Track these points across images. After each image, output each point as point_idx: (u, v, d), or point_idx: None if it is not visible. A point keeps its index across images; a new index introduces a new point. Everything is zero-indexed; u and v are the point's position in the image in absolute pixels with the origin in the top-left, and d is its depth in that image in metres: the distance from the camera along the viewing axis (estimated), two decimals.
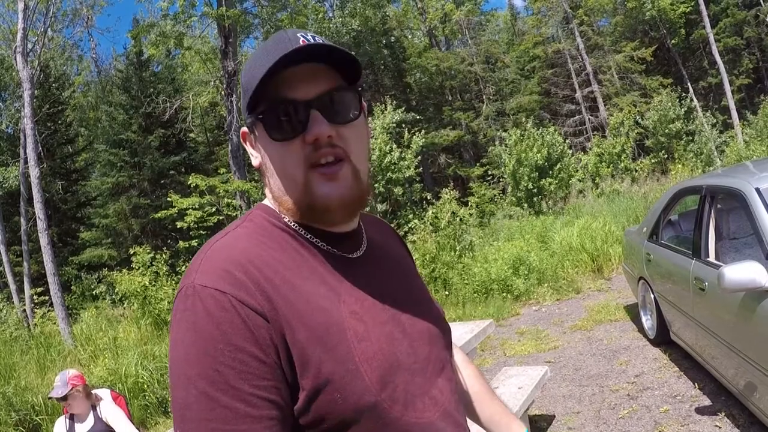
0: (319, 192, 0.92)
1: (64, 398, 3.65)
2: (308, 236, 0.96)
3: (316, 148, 0.91)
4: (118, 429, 3.72)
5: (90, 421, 3.70)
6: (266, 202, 1.02)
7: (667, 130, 23.33)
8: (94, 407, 3.75)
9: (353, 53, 0.94)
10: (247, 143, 1.02)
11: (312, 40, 0.91)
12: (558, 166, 17.53)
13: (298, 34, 0.92)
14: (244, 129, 1.01)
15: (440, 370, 1.01)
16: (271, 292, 0.84)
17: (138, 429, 3.94)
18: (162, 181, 23.62)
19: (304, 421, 0.85)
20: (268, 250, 0.90)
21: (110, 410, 3.74)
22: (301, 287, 0.88)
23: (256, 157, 1.00)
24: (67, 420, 3.75)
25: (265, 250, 0.90)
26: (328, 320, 0.87)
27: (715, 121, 24.93)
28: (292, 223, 0.97)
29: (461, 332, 4.02)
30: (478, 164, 29.47)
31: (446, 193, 12.59)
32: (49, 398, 3.69)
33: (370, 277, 0.98)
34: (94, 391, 3.95)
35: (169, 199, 16.47)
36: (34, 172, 12.26)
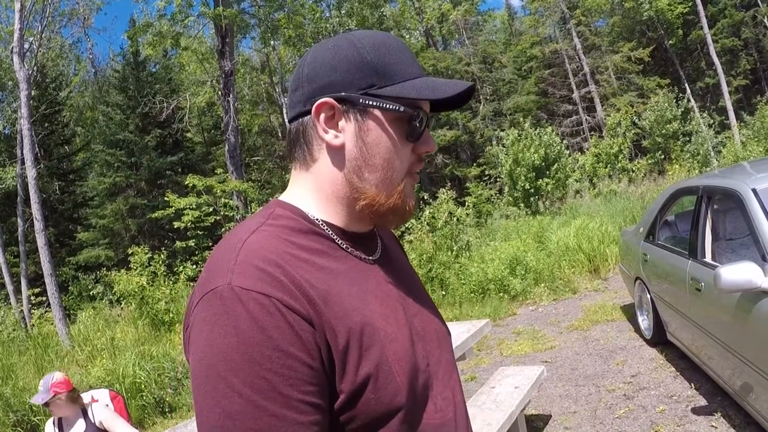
0: (408, 196, 0.97)
1: (46, 405, 3.55)
2: (334, 237, 0.95)
3: (419, 159, 0.98)
4: (116, 430, 3.67)
5: (80, 425, 3.59)
6: (287, 198, 0.99)
7: (664, 131, 23.37)
8: (84, 411, 3.63)
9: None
10: (322, 117, 0.92)
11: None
12: (555, 166, 17.54)
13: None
14: (328, 100, 0.91)
15: (450, 371, 1.03)
16: (312, 294, 0.82)
17: (137, 428, 3.89)
18: (159, 182, 23.62)
19: (337, 422, 0.84)
20: (299, 251, 0.88)
21: (104, 413, 3.62)
22: (335, 289, 0.87)
23: (336, 136, 0.93)
24: (55, 425, 3.67)
25: (296, 251, 0.87)
26: (362, 320, 0.86)
27: (712, 121, 24.97)
28: (321, 223, 0.95)
29: (458, 332, 4.03)
30: (475, 164, 29.48)
31: (443, 193, 12.57)
32: (30, 402, 3.58)
33: (388, 278, 0.98)
34: (91, 392, 3.88)
35: (166, 198, 16.47)
36: (31, 173, 12.23)
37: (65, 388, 3.57)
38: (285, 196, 0.99)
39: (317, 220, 0.95)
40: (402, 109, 0.91)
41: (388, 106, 0.91)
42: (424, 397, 0.92)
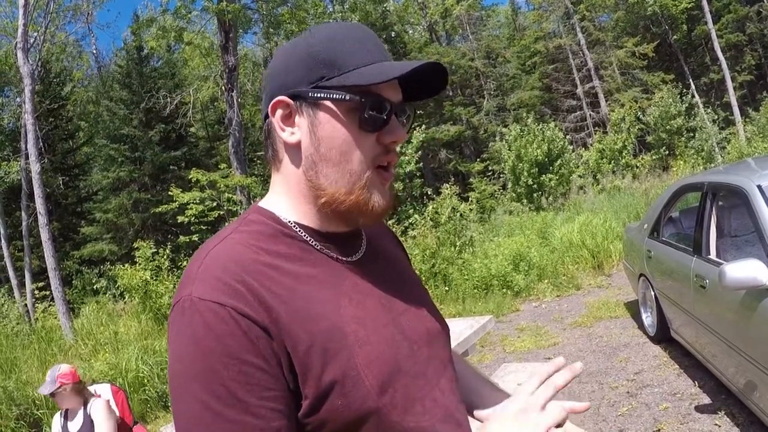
0: (374, 194, 0.94)
1: (52, 395, 3.63)
2: (309, 239, 0.94)
3: (387, 150, 0.94)
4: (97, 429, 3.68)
5: (79, 419, 3.64)
6: (265, 202, 0.99)
7: (668, 127, 23.29)
8: (86, 405, 3.68)
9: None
10: (278, 114, 0.93)
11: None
12: (558, 162, 17.50)
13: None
14: (282, 98, 0.92)
15: (441, 370, 1.01)
16: (270, 301, 0.83)
17: (137, 422, 3.91)
18: (162, 176, 23.60)
19: (308, 428, 0.84)
20: (267, 256, 0.88)
21: (98, 412, 3.64)
22: (302, 293, 0.87)
23: (292, 133, 0.93)
24: (62, 418, 3.73)
25: (263, 256, 0.88)
26: (329, 326, 0.86)
27: (716, 117, 24.86)
28: (294, 225, 0.94)
29: (461, 328, 4.02)
30: (478, 160, 29.43)
31: (447, 189, 12.59)
32: (37, 392, 3.65)
33: (369, 279, 0.97)
34: (93, 387, 3.91)
35: (170, 193, 16.48)
36: (35, 168, 12.24)
37: (71, 380, 3.65)
38: (263, 200, 1.00)
39: (290, 222, 0.95)
40: (348, 97, 0.90)
41: (336, 95, 0.90)
42: (406, 399, 0.90)
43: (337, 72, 0.90)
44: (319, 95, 0.90)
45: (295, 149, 0.94)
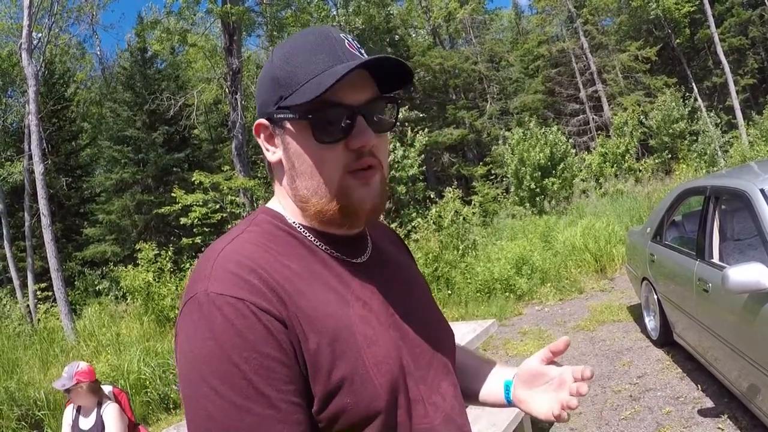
0: (355, 196, 0.93)
1: (67, 391, 3.65)
2: (314, 241, 0.95)
3: (358, 155, 0.92)
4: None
5: (92, 418, 3.66)
6: (271, 204, 1.01)
7: (671, 130, 23.28)
8: (100, 404, 3.71)
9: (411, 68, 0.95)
10: (262, 136, 0.97)
11: (357, 45, 0.95)
12: (561, 165, 17.50)
13: (341, 35, 0.94)
14: (261, 121, 0.96)
15: (443, 374, 1.01)
16: (284, 297, 0.84)
17: (138, 423, 3.93)
18: (166, 178, 23.62)
19: (319, 425, 0.85)
20: (276, 256, 0.89)
21: (110, 416, 3.68)
22: (310, 293, 0.87)
23: (273, 153, 0.96)
24: (74, 411, 3.76)
25: (273, 256, 0.89)
26: (337, 325, 0.86)
27: (719, 121, 24.83)
28: (299, 227, 0.96)
29: (464, 331, 4.01)
30: (481, 163, 29.43)
31: (450, 192, 12.59)
32: (53, 386, 3.66)
33: (374, 282, 0.98)
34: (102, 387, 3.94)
35: (173, 195, 16.51)
36: (38, 168, 12.27)
37: (88, 378, 3.67)
38: (270, 203, 1.03)
39: (296, 224, 0.96)
40: (297, 115, 0.90)
41: (290, 115, 0.91)
42: (408, 401, 0.91)
43: (290, 91, 0.90)
44: (280, 116, 0.93)
45: (279, 166, 0.98)
